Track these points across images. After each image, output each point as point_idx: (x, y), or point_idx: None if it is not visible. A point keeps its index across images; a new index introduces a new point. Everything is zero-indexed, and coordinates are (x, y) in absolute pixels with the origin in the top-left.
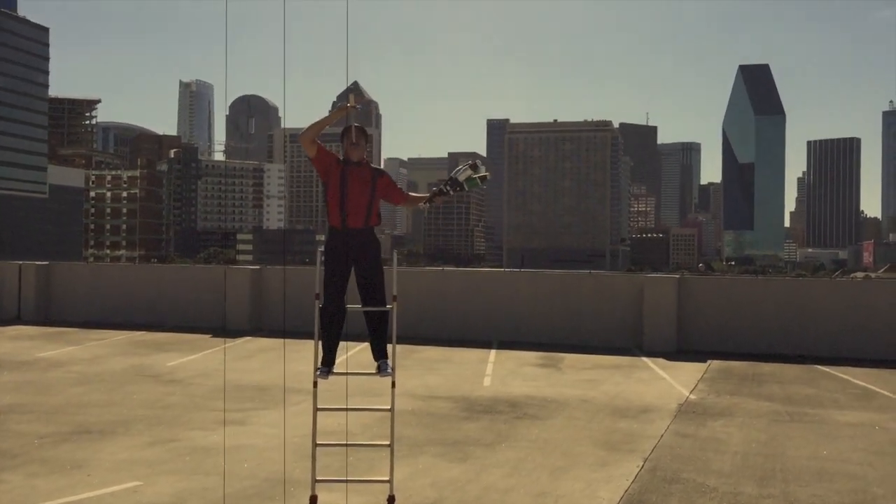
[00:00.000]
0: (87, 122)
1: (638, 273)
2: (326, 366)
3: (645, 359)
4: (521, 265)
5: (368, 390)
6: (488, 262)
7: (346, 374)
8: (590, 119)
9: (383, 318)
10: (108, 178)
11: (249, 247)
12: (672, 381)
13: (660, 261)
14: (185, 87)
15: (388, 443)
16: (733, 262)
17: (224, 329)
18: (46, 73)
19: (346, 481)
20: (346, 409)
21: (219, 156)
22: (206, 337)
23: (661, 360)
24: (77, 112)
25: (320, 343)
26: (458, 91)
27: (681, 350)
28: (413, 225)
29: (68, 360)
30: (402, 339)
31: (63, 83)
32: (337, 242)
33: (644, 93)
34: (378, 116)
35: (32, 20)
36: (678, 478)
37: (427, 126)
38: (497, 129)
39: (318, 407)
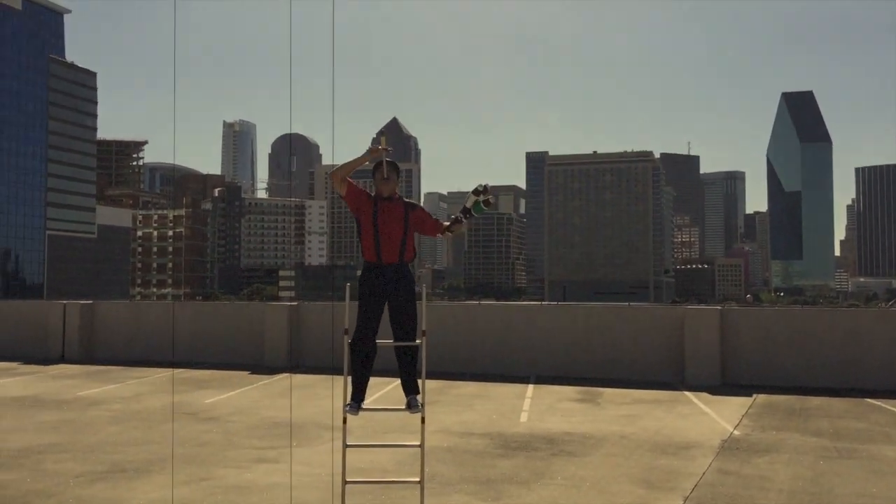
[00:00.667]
0: (134, 163)
1: (680, 305)
2: (356, 401)
3: (687, 393)
4: (563, 298)
5: (405, 426)
6: (529, 296)
7: (376, 409)
8: (630, 150)
9: (414, 353)
10: (155, 217)
11: (291, 283)
12: (715, 416)
13: (705, 292)
14: (228, 126)
15: (418, 479)
16: (782, 293)
17: (262, 366)
18: (94, 116)
19: None
20: (376, 446)
21: (262, 193)
22: (245, 374)
23: (704, 395)
24: (124, 153)
25: (350, 378)
26: (497, 124)
27: (725, 384)
28: (453, 259)
29: (108, 398)
30: (439, 375)
31: (110, 126)
32: (372, 277)
33: (685, 122)
34: (417, 151)
35: (80, 65)
36: None
37: (466, 160)
38: (536, 162)
39: (348, 444)
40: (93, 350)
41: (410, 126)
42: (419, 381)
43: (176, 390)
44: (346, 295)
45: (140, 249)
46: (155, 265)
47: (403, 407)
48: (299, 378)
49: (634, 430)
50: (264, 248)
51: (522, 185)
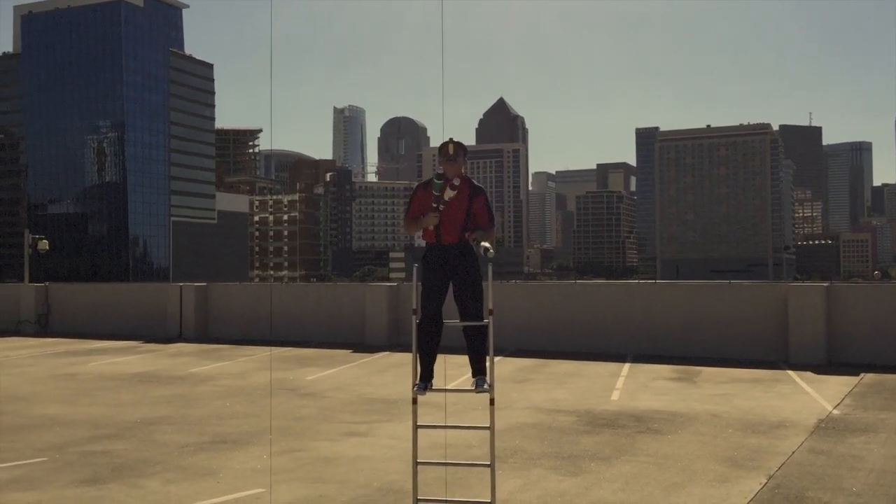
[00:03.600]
0: (250, 150)
1: (783, 282)
2: (424, 381)
3: (790, 372)
4: (675, 277)
5: (498, 403)
6: (641, 275)
7: (445, 390)
8: (746, 122)
9: (481, 333)
10: (270, 202)
11: (402, 264)
12: (815, 396)
13: (829, 269)
14: (338, 112)
15: (488, 462)
16: None
17: (364, 344)
18: (212, 106)
19: (447, 501)
20: (446, 427)
21: (371, 177)
22: (347, 352)
23: (807, 374)
24: (241, 142)
25: (418, 358)
26: (606, 101)
27: (832, 363)
28: (563, 238)
29: (218, 374)
30: (534, 353)
31: (227, 115)
32: (433, 257)
33: (807, 92)
34: (524, 131)
35: (198, 58)
36: (802, 496)
37: (575, 138)
38: (647, 138)
39: (419, 424)
40: (208, 329)
41: (517, 105)
42: (487, 361)
43: (280, 367)
44: (414, 276)
45: (257, 234)
46: (272, 249)
47: (471, 387)
48: (398, 356)
49: (727, 408)
50: (375, 231)
51: (633, 161)
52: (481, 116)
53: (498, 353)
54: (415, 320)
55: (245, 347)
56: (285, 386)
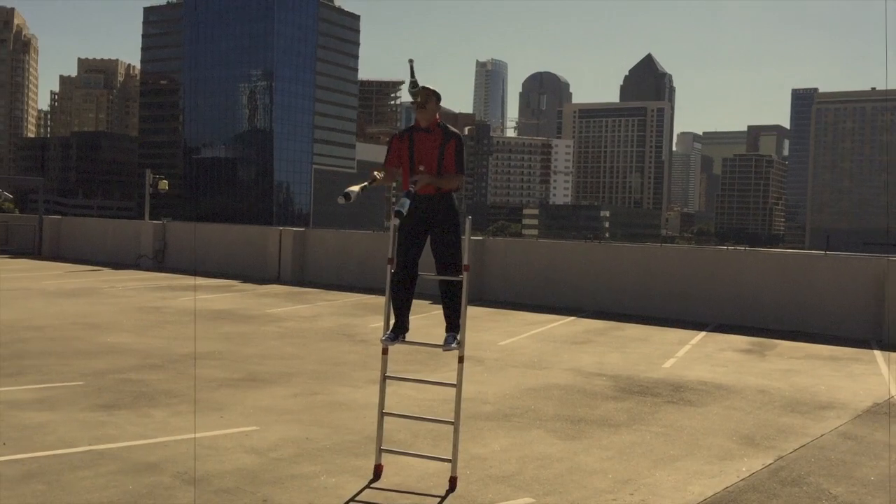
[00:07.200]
0: (392, 101)
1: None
2: (395, 332)
3: (876, 352)
4: (825, 247)
5: (534, 363)
6: (787, 244)
7: (413, 343)
8: None
9: (457, 288)
10: None
11: (535, 221)
12: (888, 378)
13: None
14: (481, 66)
15: (454, 420)
16: None
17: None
18: (356, 57)
19: (407, 454)
20: (414, 381)
21: (510, 132)
22: (427, 303)
23: (895, 355)
24: (383, 93)
25: (391, 308)
26: (760, 59)
27: None
28: (706, 202)
29: (289, 316)
30: (610, 316)
31: (370, 66)
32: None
33: None
34: (671, 89)
35: (346, 9)
36: (801, 481)
37: (724, 98)
38: (803, 100)
39: (387, 375)
40: (305, 273)
41: (665, 63)
42: (461, 318)
43: (350, 314)
44: (391, 225)
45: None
46: None
47: (440, 344)
48: (481, 310)
49: (781, 385)
50: (510, 187)
51: (786, 124)
52: (626, 73)
53: (574, 313)
54: (389, 269)
55: (332, 292)
56: (346, 331)
